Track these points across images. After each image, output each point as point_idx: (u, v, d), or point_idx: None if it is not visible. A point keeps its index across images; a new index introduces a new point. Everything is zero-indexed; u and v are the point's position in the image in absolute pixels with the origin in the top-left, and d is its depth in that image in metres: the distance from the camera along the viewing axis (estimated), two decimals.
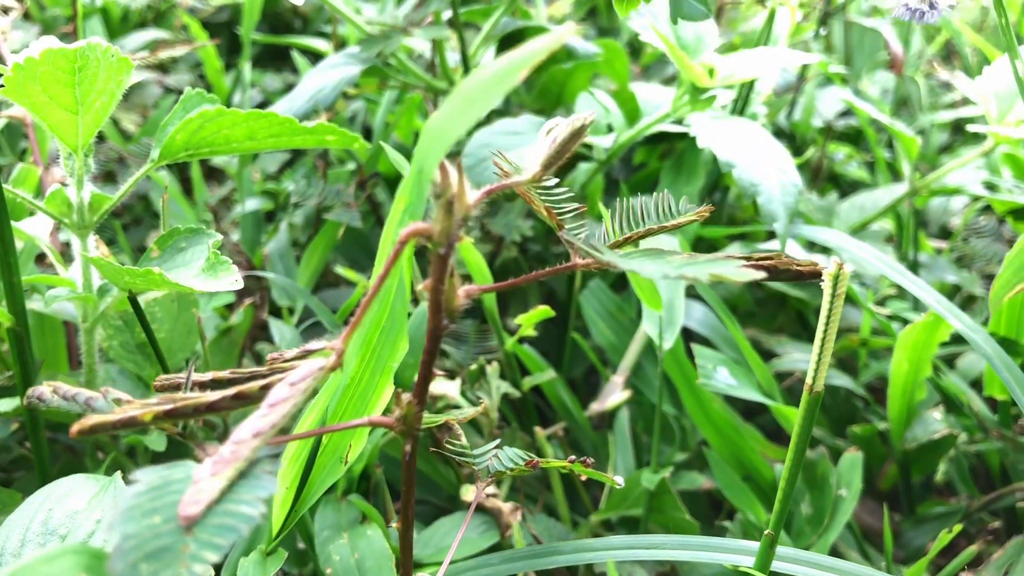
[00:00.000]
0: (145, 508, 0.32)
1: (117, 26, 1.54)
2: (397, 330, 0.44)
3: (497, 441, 0.55)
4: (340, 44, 1.48)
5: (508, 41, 1.05)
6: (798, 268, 0.41)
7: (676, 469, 0.78)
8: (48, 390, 0.48)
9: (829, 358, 0.44)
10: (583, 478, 0.65)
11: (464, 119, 0.35)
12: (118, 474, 0.52)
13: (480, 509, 0.69)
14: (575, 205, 0.43)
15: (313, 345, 0.38)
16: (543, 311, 0.70)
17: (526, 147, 0.84)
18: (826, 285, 0.43)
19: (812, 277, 0.42)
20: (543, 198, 0.44)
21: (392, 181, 1.15)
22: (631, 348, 0.83)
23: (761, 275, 0.38)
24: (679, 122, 0.86)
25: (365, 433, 0.51)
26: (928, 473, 0.85)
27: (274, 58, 1.74)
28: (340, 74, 0.93)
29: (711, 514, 0.82)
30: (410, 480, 0.42)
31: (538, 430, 0.77)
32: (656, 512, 0.73)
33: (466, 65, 0.96)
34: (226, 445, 0.33)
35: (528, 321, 0.71)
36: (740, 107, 0.90)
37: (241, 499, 0.32)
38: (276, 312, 0.98)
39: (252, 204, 1.11)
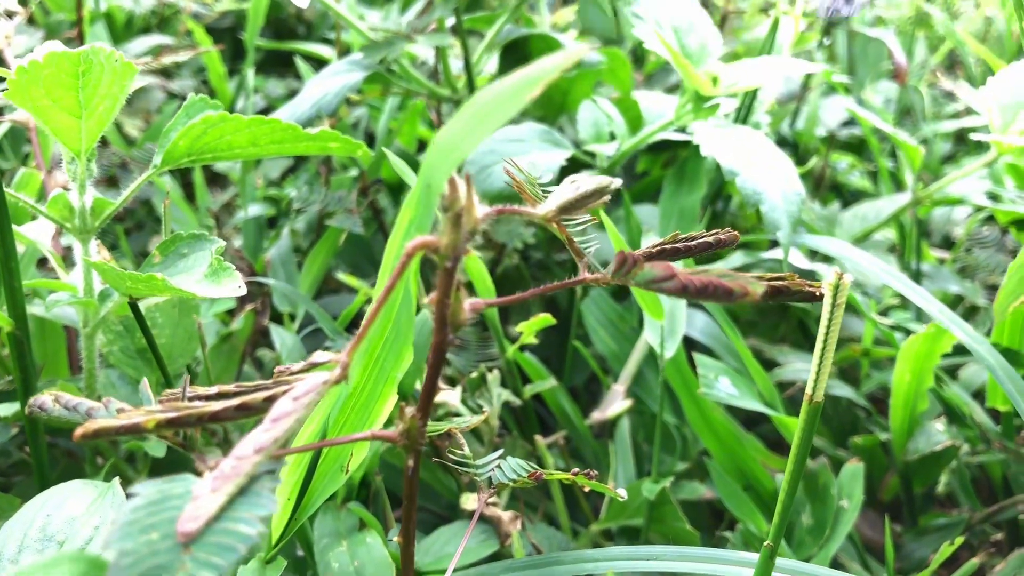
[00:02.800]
0: (143, 524, 0.32)
1: (121, 31, 1.54)
2: (402, 341, 0.44)
3: (500, 452, 0.55)
4: (344, 50, 1.48)
5: (511, 48, 1.05)
6: (810, 289, 0.41)
7: (677, 479, 0.78)
8: (50, 399, 0.48)
9: (829, 368, 0.44)
10: (585, 488, 0.64)
11: (474, 136, 0.35)
12: (116, 480, 0.52)
13: (480, 518, 0.68)
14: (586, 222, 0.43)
15: (319, 358, 0.37)
16: (544, 319, 0.70)
17: (529, 154, 0.84)
18: (826, 294, 0.43)
19: (820, 299, 0.42)
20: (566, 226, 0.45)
21: (394, 188, 1.15)
22: (632, 357, 0.83)
23: (764, 292, 0.38)
24: (682, 130, 0.86)
25: (365, 445, 0.50)
26: (930, 484, 0.85)
27: (277, 64, 1.75)
28: (343, 80, 0.93)
29: (712, 524, 0.82)
30: (412, 494, 0.42)
31: (539, 439, 0.77)
32: (657, 522, 0.72)
33: (469, 72, 0.96)
34: (227, 460, 0.33)
35: (530, 329, 0.71)
36: (743, 116, 0.90)
37: (240, 517, 0.32)
38: (277, 318, 0.98)
39: (254, 210, 1.11)
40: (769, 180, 0.72)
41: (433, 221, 0.39)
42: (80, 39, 1.34)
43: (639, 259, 0.38)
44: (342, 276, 0.88)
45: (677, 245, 0.46)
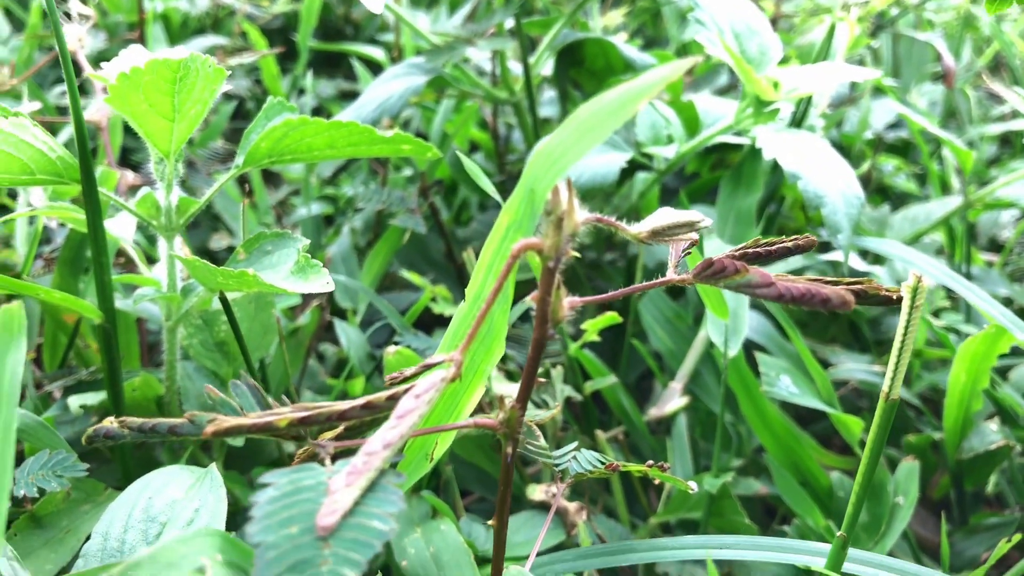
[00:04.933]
0: (281, 517, 0.34)
1: (177, 32, 1.58)
2: (494, 336, 0.46)
3: (575, 444, 0.57)
4: (396, 52, 1.51)
5: (566, 52, 1.07)
6: (887, 293, 0.43)
7: (732, 475, 0.80)
8: (115, 425, 0.47)
9: (906, 366, 0.46)
10: (657, 481, 0.66)
11: (580, 146, 0.37)
12: (213, 466, 0.54)
13: (545, 508, 0.71)
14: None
15: (434, 359, 0.39)
16: (610, 317, 0.72)
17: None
18: (905, 297, 0.45)
19: (899, 303, 0.44)
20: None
21: (449, 188, 1.18)
22: (689, 355, 0.85)
23: (851, 299, 0.40)
24: (738, 134, 0.88)
25: (453, 433, 0.53)
26: (980, 484, 0.86)
27: (325, 64, 1.78)
28: (405, 84, 0.96)
29: (765, 519, 0.84)
30: (508, 479, 0.44)
31: (599, 433, 0.79)
32: (716, 516, 0.74)
33: (528, 75, 0.98)
34: (358, 456, 0.36)
35: (594, 327, 0.73)
36: (798, 120, 0.91)
37: (373, 513, 0.34)
38: (338, 314, 1.01)
39: (314, 209, 1.14)
40: (830, 183, 0.74)
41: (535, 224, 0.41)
42: (142, 40, 1.38)
43: (740, 266, 0.40)
44: (405, 273, 0.91)
45: (759, 249, 0.48)
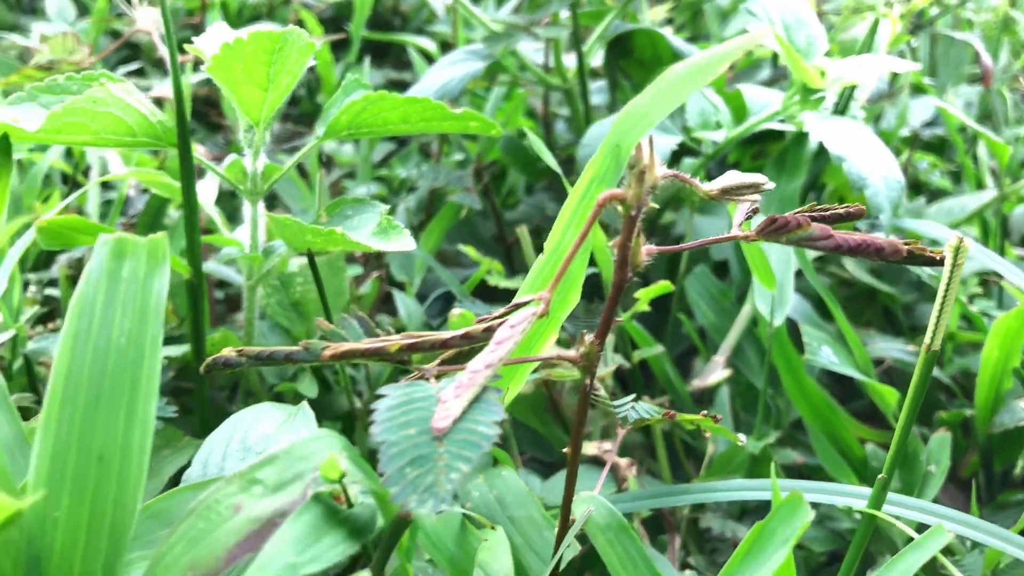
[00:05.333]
0: (399, 421, 0.39)
1: (234, 19, 1.64)
2: (571, 284, 0.51)
3: (633, 395, 0.62)
4: (443, 42, 1.56)
5: (616, 42, 1.12)
6: (932, 254, 0.47)
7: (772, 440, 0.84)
8: (233, 354, 0.52)
9: (946, 322, 0.50)
10: (708, 434, 0.70)
11: (664, 105, 0.42)
12: (305, 403, 0.59)
13: (597, 463, 0.75)
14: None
15: (524, 298, 0.44)
16: (663, 286, 0.76)
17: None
18: (948, 255, 0.49)
19: (942, 264, 0.48)
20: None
21: (494, 175, 1.23)
22: (732, 330, 0.89)
23: (903, 249, 0.44)
24: (783, 121, 0.92)
25: (524, 379, 0.58)
26: (1009, 464, 0.90)
27: (373, 54, 1.83)
28: (465, 69, 1.01)
29: None
30: (584, 411, 0.49)
31: (646, 399, 0.84)
32: (755, 479, 0.79)
33: (582, 63, 1.03)
34: (464, 374, 0.40)
35: (647, 296, 0.78)
36: (840, 110, 0.95)
37: (479, 420, 0.39)
38: (394, 287, 1.06)
39: (371, 189, 1.19)
40: (872, 167, 0.78)
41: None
42: (203, 25, 1.44)
43: (803, 220, 0.45)
44: (463, 248, 0.95)
45: (813, 214, 0.52)
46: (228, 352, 0.47)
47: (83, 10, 1.68)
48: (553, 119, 1.27)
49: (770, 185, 0.49)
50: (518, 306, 0.46)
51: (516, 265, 1.11)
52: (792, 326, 0.93)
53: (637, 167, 0.43)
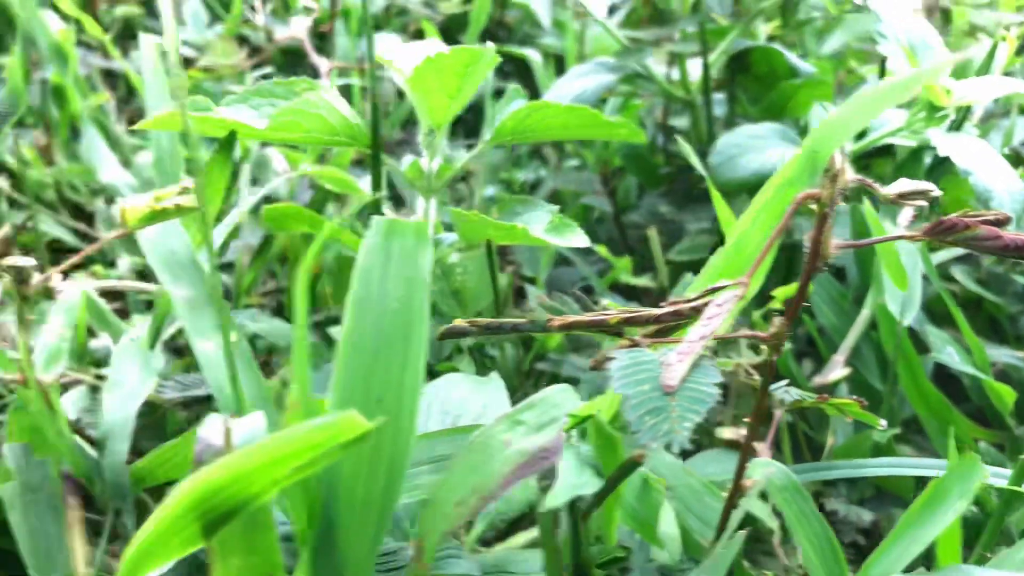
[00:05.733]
0: (632, 379, 0.46)
1: (355, 28, 1.73)
2: (759, 272, 0.57)
3: (787, 380, 0.68)
4: (545, 54, 1.64)
5: (735, 58, 1.18)
6: None
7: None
8: (465, 324, 0.59)
9: None
10: (848, 420, 0.76)
11: (861, 118, 0.48)
12: (495, 373, 0.67)
13: (733, 446, 0.82)
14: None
15: (721, 283, 0.51)
16: (793, 287, 0.83)
17: (769, 149, 0.97)
18: None
19: None
20: None
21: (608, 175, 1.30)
22: (851, 331, 0.95)
23: None
24: (904, 137, 0.98)
25: None
26: None
27: None
28: (598, 80, 1.08)
29: (917, 483, 0.93)
30: (766, 386, 0.56)
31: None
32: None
33: (707, 77, 1.10)
34: (683, 344, 0.48)
35: (783, 294, 0.84)
36: (956, 127, 1.01)
37: (701, 381, 0.46)
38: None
39: (490, 191, 1.27)
40: (996, 180, 0.84)
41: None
42: (332, 34, 1.54)
43: (970, 222, 0.51)
44: (597, 248, 1.03)
45: (956, 221, 0.58)
46: (459, 323, 0.55)
47: (215, 15, 1.79)
48: (657, 128, 1.34)
49: (938, 192, 0.55)
50: (714, 290, 0.53)
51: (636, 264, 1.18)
52: (908, 329, 0.98)
53: (831, 171, 0.50)
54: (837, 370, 0.93)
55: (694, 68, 1.13)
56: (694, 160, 0.82)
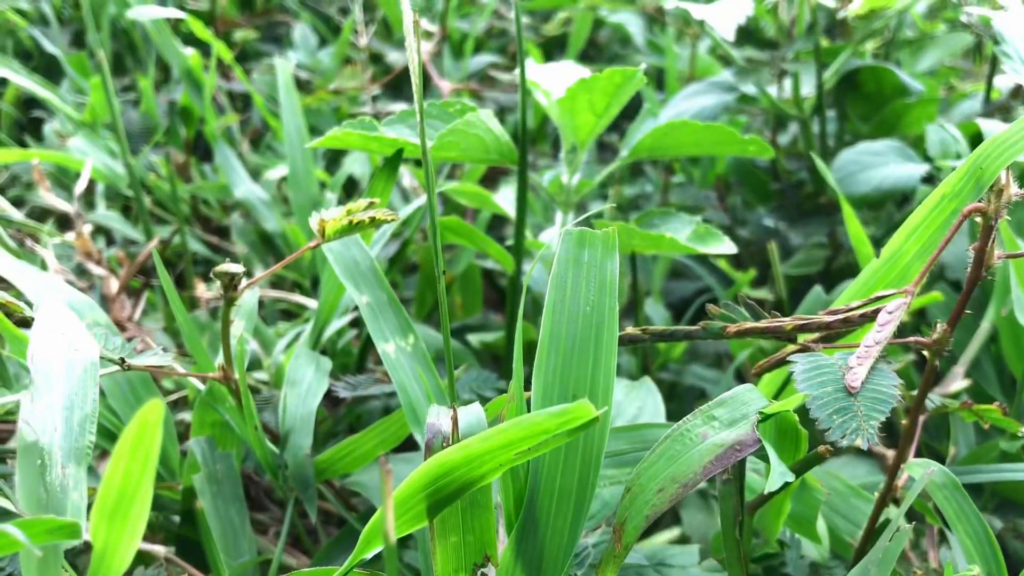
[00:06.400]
0: (816, 381, 0.50)
1: (456, 48, 1.80)
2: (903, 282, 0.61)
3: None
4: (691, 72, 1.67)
5: (845, 77, 1.21)
6: None
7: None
8: (638, 332, 0.64)
9: None
10: (988, 425, 0.79)
11: None
12: (647, 378, 0.71)
13: (865, 454, 0.85)
14: None
15: (885, 292, 0.55)
16: (934, 296, 0.85)
17: (888, 166, 1.00)
18: None
19: None
20: None
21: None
22: (972, 343, 0.97)
23: None
24: None
25: None
26: None
27: None
28: (718, 98, 1.12)
29: None
30: (926, 387, 0.59)
31: None
32: None
33: (820, 95, 1.13)
34: (860, 348, 0.51)
35: (919, 301, 0.87)
36: None
37: (881, 383, 0.49)
38: None
39: (596, 206, 1.31)
40: None
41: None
42: (440, 54, 1.59)
43: None
44: (722, 263, 1.06)
45: None
46: (631, 330, 0.59)
47: (322, 38, 1.87)
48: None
49: None
50: (879, 298, 0.56)
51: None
52: None
53: (996, 186, 0.53)
54: (958, 381, 0.95)
55: (804, 87, 1.16)
56: (829, 177, 0.85)
